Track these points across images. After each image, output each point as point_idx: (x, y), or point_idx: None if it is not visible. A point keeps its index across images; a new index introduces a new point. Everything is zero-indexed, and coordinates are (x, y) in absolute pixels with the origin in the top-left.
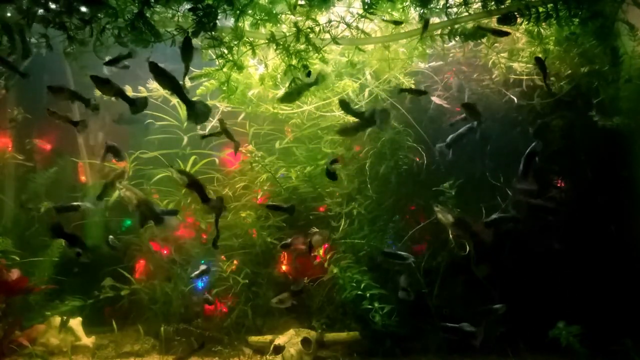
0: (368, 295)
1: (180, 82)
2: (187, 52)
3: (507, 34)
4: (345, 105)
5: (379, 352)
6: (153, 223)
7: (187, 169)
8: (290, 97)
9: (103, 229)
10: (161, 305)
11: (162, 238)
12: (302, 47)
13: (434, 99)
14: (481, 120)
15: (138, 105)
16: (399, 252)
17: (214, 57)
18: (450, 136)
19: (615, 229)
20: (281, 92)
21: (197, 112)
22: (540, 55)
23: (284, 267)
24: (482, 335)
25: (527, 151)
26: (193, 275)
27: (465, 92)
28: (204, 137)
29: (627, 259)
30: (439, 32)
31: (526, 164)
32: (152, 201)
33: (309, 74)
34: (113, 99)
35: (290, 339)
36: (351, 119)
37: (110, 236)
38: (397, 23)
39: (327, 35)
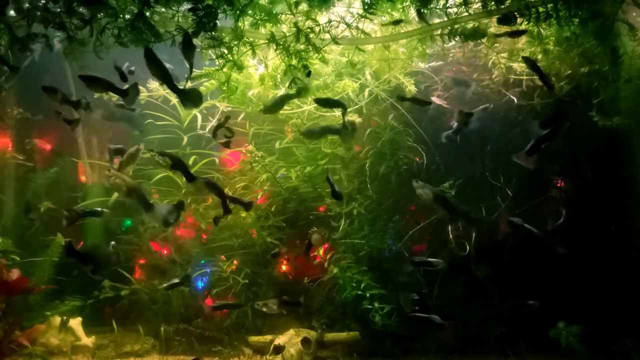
0: (368, 295)
1: (186, 79)
2: (188, 49)
3: (523, 32)
4: (322, 101)
5: (379, 352)
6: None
7: None
8: (272, 108)
9: (103, 229)
10: (161, 305)
11: (162, 238)
12: (302, 47)
13: (434, 99)
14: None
15: (130, 94)
16: (429, 259)
17: (214, 57)
18: (457, 122)
19: (615, 229)
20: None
21: (189, 97)
22: (539, 56)
23: (284, 267)
24: (452, 331)
25: (545, 133)
26: (163, 287)
27: (465, 85)
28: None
29: (627, 259)
30: (439, 32)
31: (536, 143)
32: (141, 188)
33: (309, 74)
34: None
35: (290, 339)
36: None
37: (112, 242)
38: (396, 22)
39: (327, 35)
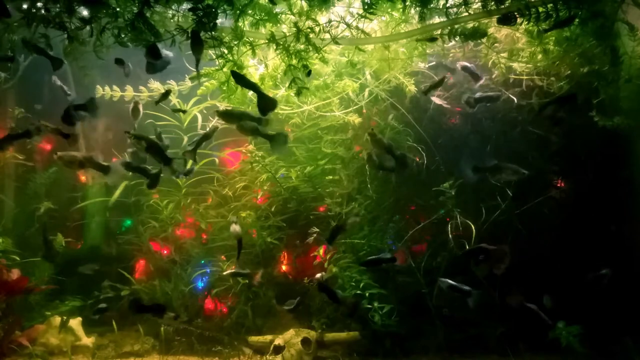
0: (367, 294)
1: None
2: (196, 45)
3: (573, 18)
4: (238, 76)
5: (379, 352)
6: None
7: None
8: (229, 118)
9: (103, 229)
10: None
11: (162, 238)
12: (302, 47)
13: (434, 99)
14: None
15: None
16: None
17: (214, 57)
18: (478, 94)
19: (615, 229)
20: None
21: (158, 66)
22: (539, 56)
23: (284, 267)
24: (352, 306)
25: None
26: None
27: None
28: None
29: (627, 259)
30: (439, 32)
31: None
32: (93, 155)
33: (309, 74)
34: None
35: (290, 339)
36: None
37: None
38: (432, 40)
39: (327, 35)
